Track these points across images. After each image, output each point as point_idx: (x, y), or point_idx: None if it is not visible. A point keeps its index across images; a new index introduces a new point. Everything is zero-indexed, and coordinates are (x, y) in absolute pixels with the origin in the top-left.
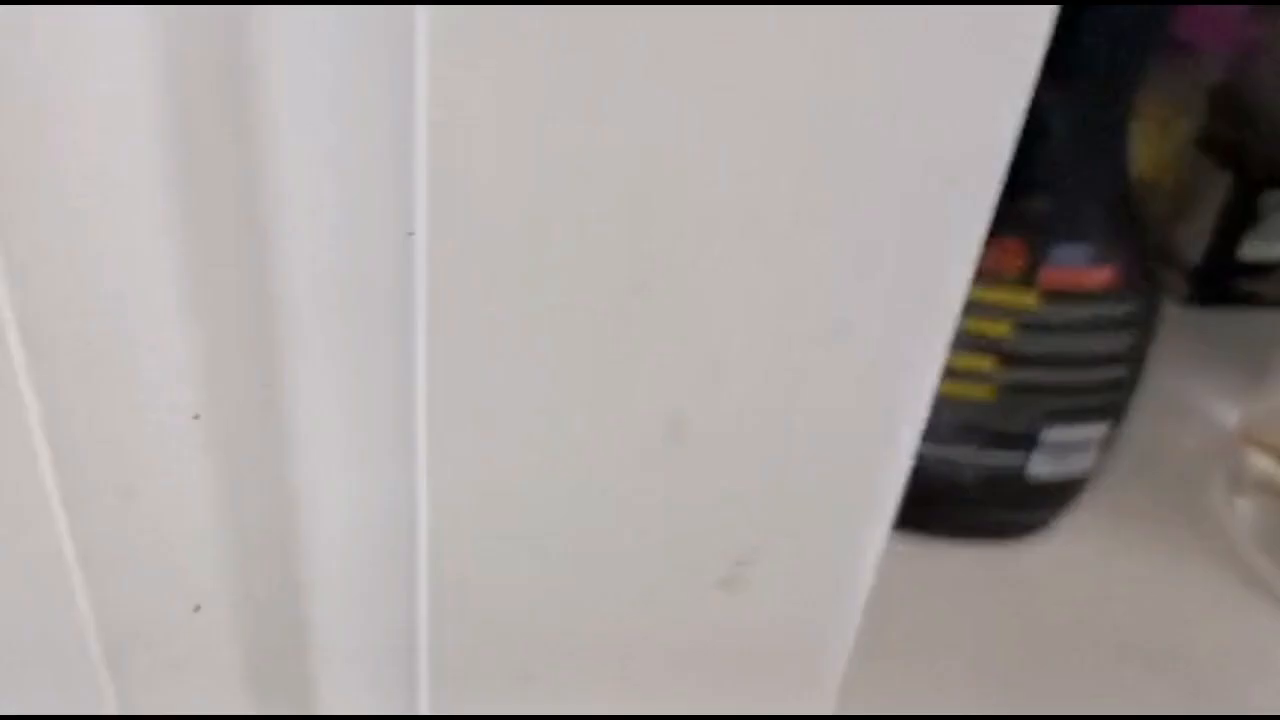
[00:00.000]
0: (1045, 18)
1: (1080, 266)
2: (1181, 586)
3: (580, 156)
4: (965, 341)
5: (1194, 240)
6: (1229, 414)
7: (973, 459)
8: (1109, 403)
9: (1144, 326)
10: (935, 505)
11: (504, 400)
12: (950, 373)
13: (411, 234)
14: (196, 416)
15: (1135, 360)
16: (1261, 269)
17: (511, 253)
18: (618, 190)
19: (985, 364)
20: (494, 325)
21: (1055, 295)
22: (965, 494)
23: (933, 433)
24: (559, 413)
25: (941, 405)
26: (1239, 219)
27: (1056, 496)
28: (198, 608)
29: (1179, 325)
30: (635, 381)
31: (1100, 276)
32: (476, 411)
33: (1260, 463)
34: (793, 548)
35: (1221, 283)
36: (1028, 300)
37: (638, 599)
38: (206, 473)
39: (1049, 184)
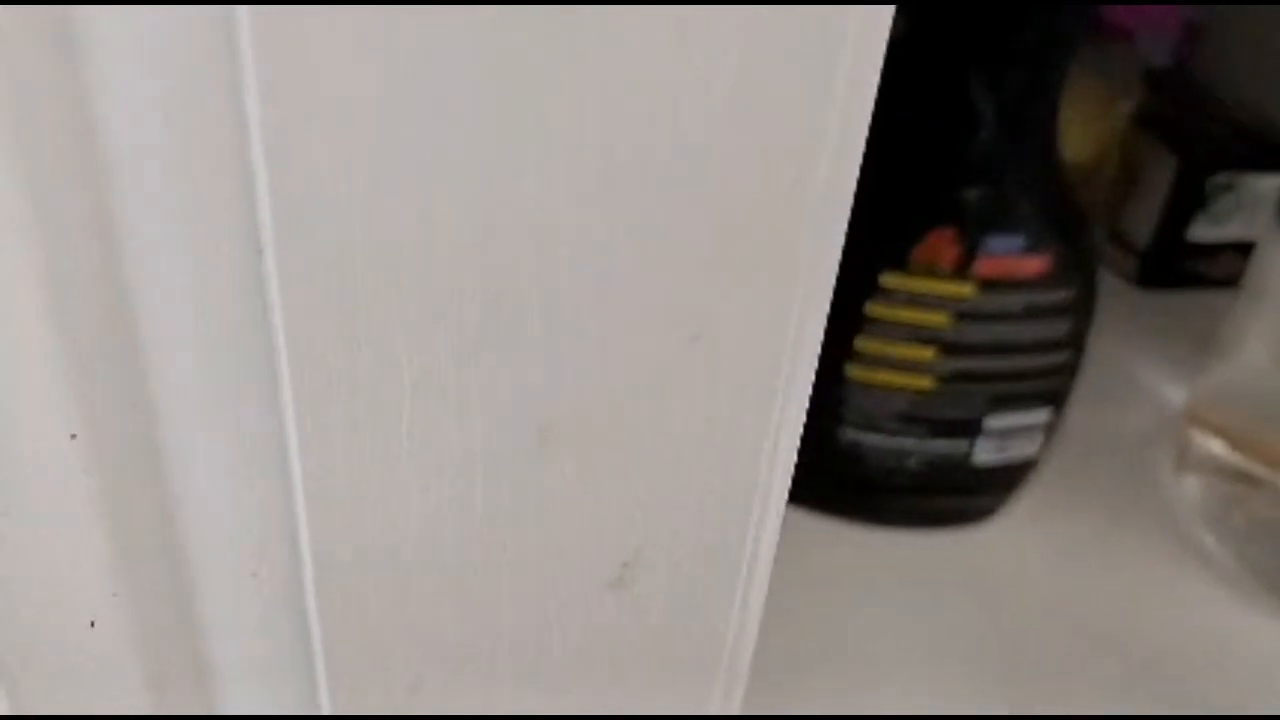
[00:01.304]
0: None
1: (1015, 255)
2: (1130, 566)
3: (422, 164)
4: (905, 332)
5: (1143, 223)
6: (1177, 395)
7: (917, 448)
8: (1050, 388)
9: (1082, 312)
10: (882, 494)
11: (370, 410)
12: (891, 363)
13: (260, 252)
14: (74, 436)
15: (1075, 345)
16: (1210, 250)
17: (362, 265)
18: (467, 196)
19: (926, 354)
20: (352, 339)
21: (991, 284)
22: (911, 482)
23: (876, 423)
24: (426, 422)
25: (884, 395)
26: (1187, 201)
27: (1002, 482)
28: (93, 624)
29: (1128, 307)
30: (500, 388)
31: (1035, 264)
32: (343, 423)
33: (1206, 442)
34: (677, 547)
35: (1170, 264)
36: (964, 290)
37: (527, 604)
38: (88, 491)
39: (981, 174)
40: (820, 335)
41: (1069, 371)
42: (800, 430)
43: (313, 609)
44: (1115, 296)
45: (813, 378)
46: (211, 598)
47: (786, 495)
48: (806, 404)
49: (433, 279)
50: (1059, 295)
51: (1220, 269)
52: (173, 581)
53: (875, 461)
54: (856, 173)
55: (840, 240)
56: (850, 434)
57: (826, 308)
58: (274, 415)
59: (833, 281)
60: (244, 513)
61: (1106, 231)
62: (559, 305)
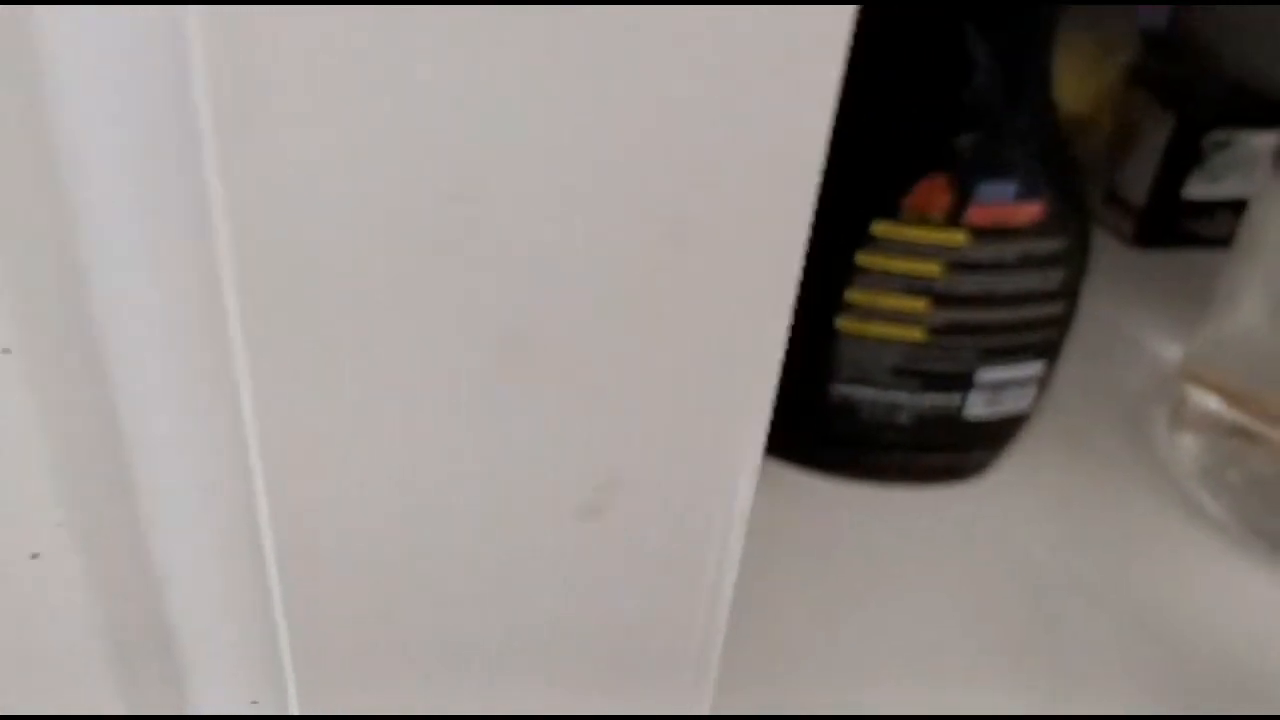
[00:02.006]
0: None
1: (1008, 203)
2: (1124, 522)
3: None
4: (896, 283)
5: (1139, 181)
6: (1173, 352)
7: (909, 401)
8: (1043, 340)
9: (1075, 262)
10: (874, 450)
11: (318, 330)
12: (882, 314)
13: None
14: (7, 350)
15: (1068, 297)
16: (1206, 208)
17: (311, 173)
18: (424, 95)
19: (917, 305)
20: (299, 249)
21: (984, 233)
22: (903, 438)
23: (868, 376)
24: (380, 338)
25: (875, 347)
26: (1183, 159)
27: (995, 436)
28: (35, 555)
29: (1125, 265)
30: (463, 301)
31: (1028, 212)
32: (293, 346)
33: (1202, 399)
34: (654, 472)
35: (1167, 223)
36: (957, 239)
37: (494, 533)
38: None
39: (974, 121)
40: (804, 241)
41: (1062, 323)
42: (783, 349)
43: (270, 548)
44: (1112, 255)
45: (796, 286)
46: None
47: (767, 420)
48: (790, 314)
49: (392, 177)
50: (1052, 244)
51: (1216, 227)
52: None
53: (867, 416)
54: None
55: (821, 146)
56: (842, 389)
57: (807, 217)
58: (223, 347)
59: (814, 185)
60: (195, 445)
61: (1103, 190)
62: (522, 208)
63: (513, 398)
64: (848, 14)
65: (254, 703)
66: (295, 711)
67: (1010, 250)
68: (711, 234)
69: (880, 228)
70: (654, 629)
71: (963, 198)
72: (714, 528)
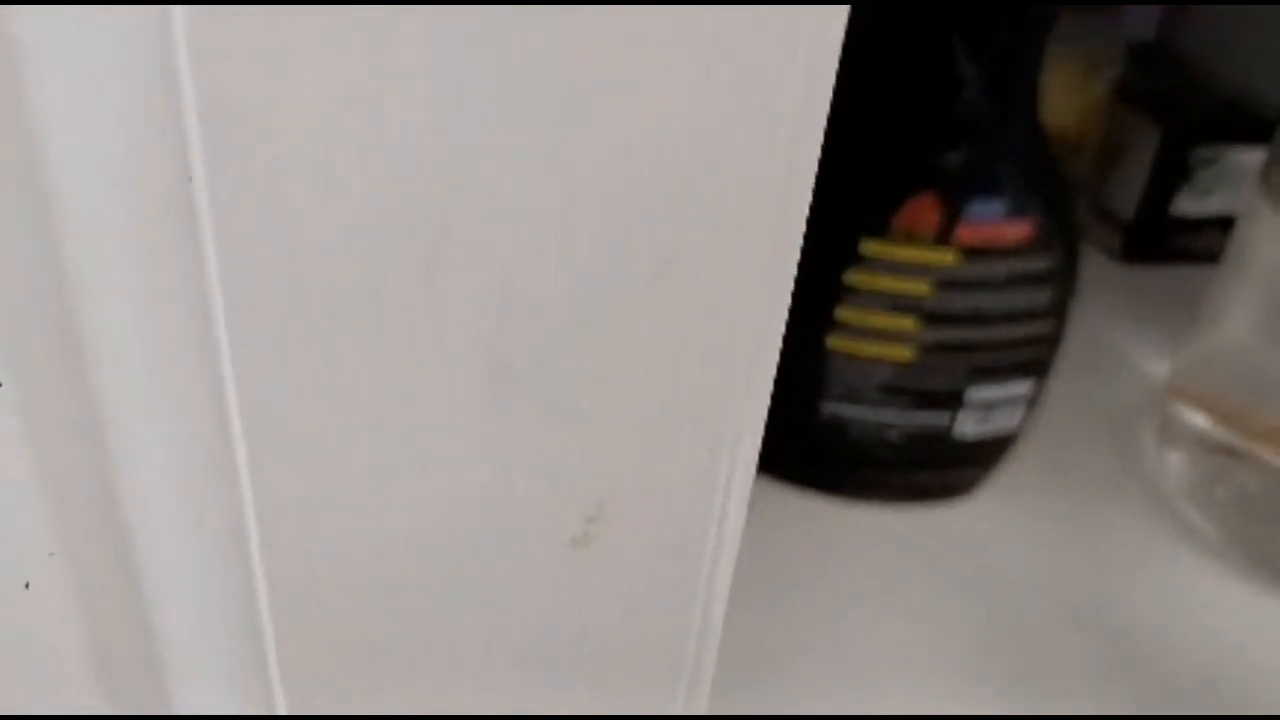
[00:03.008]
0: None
1: (997, 221)
2: (1112, 539)
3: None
4: (885, 301)
5: (1126, 197)
6: (1161, 369)
7: (898, 420)
8: (1033, 359)
9: (1064, 281)
10: (862, 468)
11: (313, 353)
12: (872, 333)
13: (190, 178)
14: None
15: (1057, 315)
16: (1194, 224)
17: (302, 195)
18: (416, 125)
19: (906, 324)
20: (291, 269)
21: (973, 252)
22: (892, 456)
23: (857, 394)
24: (374, 364)
25: (865, 366)
26: (1171, 175)
27: (984, 455)
28: (27, 585)
29: (1113, 281)
30: (451, 333)
31: (1018, 231)
32: (285, 367)
33: (1189, 416)
34: (643, 500)
35: (1154, 238)
36: (946, 258)
37: (487, 560)
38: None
39: (962, 140)
40: (793, 270)
41: (1051, 342)
42: (772, 376)
43: (258, 567)
44: (1099, 270)
45: (786, 312)
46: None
47: (758, 446)
48: (780, 341)
49: (379, 211)
50: (1041, 263)
51: (1204, 243)
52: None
53: (856, 434)
54: (829, 94)
55: (813, 168)
56: (831, 407)
57: (799, 241)
58: (214, 374)
59: (805, 210)
60: (183, 466)
61: (1091, 206)
62: (515, 237)
63: (501, 429)
64: (838, 35)
65: (242, 716)
66: (283, 713)
67: (999, 269)
68: (701, 262)
69: (869, 247)
70: (645, 651)
71: (952, 217)
72: (705, 552)
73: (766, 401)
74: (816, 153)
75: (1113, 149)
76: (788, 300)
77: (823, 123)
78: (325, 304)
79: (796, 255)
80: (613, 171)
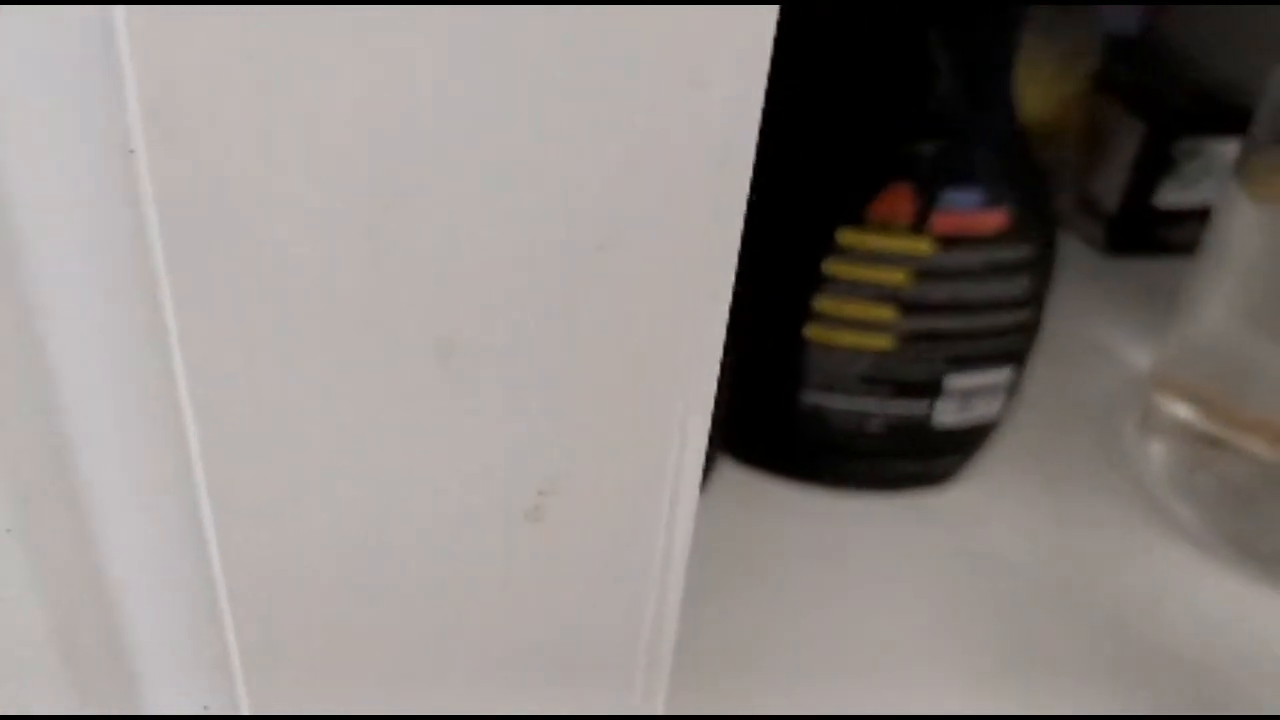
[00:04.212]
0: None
1: (973, 211)
2: (1094, 529)
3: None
4: (864, 291)
5: (1110, 189)
6: (1144, 360)
7: (878, 409)
8: (1010, 348)
9: (1042, 269)
10: (843, 457)
11: (259, 332)
12: (850, 323)
13: (133, 151)
14: None
15: (1035, 304)
16: (1177, 216)
17: (242, 171)
18: (354, 95)
19: (885, 313)
20: (234, 246)
21: (949, 241)
22: (872, 445)
23: (836, 384)
24: (320, 340)
25: (844, 355)
26: (1154, 167)
27: (964, 444)
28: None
29: (1097, 273)
30: (397, 308)
31: (993, 220)
32: (233, 346)
33: (1170, 405)
34: (597, 475)
35: (1138, 230)
36: (922, 247)
37: (439, 536)
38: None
39: (938, 129)
40: (736, 241)
41: (1029, 330)
42: (721, 352)
43: (215, 554)
44: (1084, 263)
45: (731, 286)
46: (110, 542)
47: (708, 422)
48: (725, 320)
49: (321, 183)
50: (1018, 252)
51: (1188, 235)
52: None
53: (837, 424)
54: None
55: (751, 144)
56: (811, 396)
57: (739, 220)
58: (164, 353)
59: (745, 187)
60: (137, 446)
61: (1074, 198)
62: (457, 211)
63: (449, 403)
64: (770, 20)
65: (205, 708)
66: (246, 713)
67: (976, 258)
68: (647, 235)
69: (847, 236)
70: (600, 630)
71: (927, 206)
72: (659, 529)
73: (715, 374)
74: (754, 130)
75: (1096, 141)
76: (732, 275)
77: (759, 102)
78: (270, 283)
79: (738, 232)
80: (555, 146)
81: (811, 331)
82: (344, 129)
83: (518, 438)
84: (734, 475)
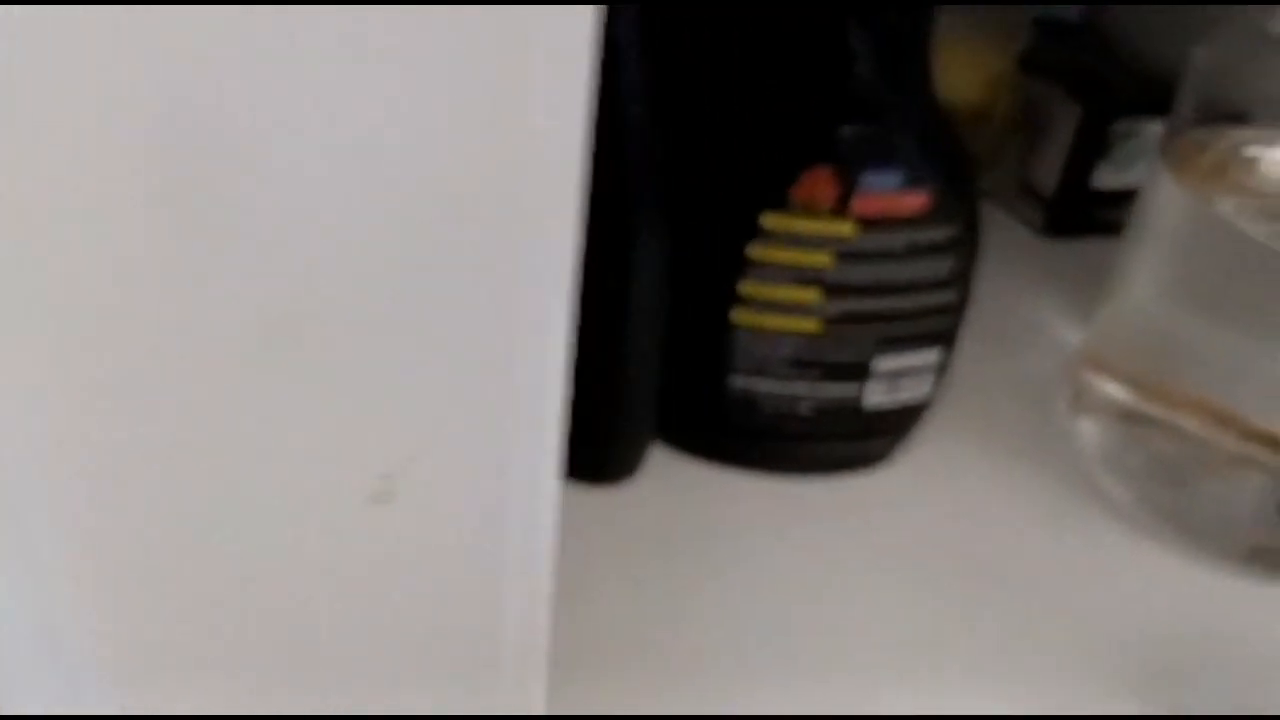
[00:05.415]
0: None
1: (893, 192)
2: (1027, 508)
3: None
4: (788, 274)
5: (1048, 172)
6: (1079, 340)
7: (807, 392)
8: (937, 328)
9: (965, 250)
10: (774, 441)
11: (84, 311)
12: (776, 306)
13: None
14: None
15: (960, 284)
16: (1114, 197)
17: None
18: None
19: (810, 296)
20: (61, 247)
21: (871, 223)
22: (803, 428)
23: (765, 367)
24: (137, 323)
25: (771, 339)
26: (1090, 149)
27: (894, 425)
28: None
29: (1035, 255)
30: (227, 281)
31: (914, 201)
32: (60, 343)
33: (1100, 384)
34: (444, 458)
35: (1076, 212)
36: (844, 229)
37: (280, 522)
38: None
39: (857, 112)
40: (575, 218)
41: (955, 311)
42: (566, 331)
43: (59, 552)
44: (1022, 245)
45: (573, 264)
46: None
47: (560, 405)
48: (571, 299)
49: (131, 151)
50: (940, 233)
51: (1125, 215)
52: None
53: (767, 408)
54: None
55: (580, 128)
56: (740, 381)
57: (576, 204)
58: None
59: (580, 174)
60: None
61: (1014, 181)
62: (282, 188)
63: (286, 383)
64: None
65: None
66: (101, 711)
67: (898, 239)
68: (485, 218)
69: (769, 220)
70: (459, 624)
71: (848, 188)
72: (512, 517)
73: (565, 356)
74: (581, 113)
75: (1034, 125)
76: (572, 254)
77: (584, 91)
78: (91, 255)
79: (575, 216)
80: (392, 126)
81: (738, 316)
82: (174, 97)
83: (354, 422)
84: (667, 460)
